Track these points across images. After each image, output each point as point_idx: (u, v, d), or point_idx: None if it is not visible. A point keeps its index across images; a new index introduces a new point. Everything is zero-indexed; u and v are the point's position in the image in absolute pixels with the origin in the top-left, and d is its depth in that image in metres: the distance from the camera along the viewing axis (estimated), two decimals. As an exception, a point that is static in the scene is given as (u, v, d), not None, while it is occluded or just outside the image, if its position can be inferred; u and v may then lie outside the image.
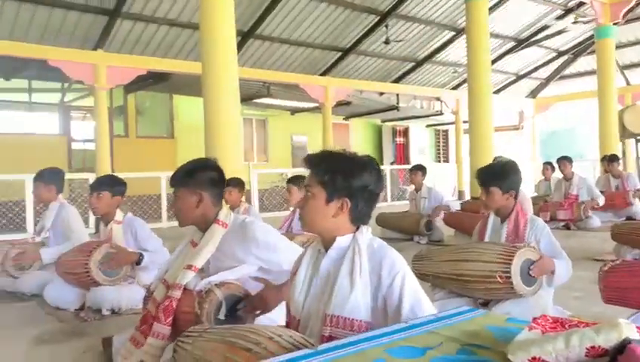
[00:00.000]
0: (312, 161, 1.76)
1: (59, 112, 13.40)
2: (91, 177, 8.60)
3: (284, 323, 1.92)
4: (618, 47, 14.77)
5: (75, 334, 3.42)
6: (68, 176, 10.55)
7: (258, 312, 2.21)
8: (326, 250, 1.76)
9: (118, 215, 3.89)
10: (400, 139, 19.40)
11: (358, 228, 1.75)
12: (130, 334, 2.44)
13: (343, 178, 1.68)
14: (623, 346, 1.04)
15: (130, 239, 3.84)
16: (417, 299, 1.63)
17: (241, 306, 2.19)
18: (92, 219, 9.33)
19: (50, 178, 4.56)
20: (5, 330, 3.57)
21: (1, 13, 8.91)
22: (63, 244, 4.34)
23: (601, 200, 7.68)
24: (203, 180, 2.36)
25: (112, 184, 3.92)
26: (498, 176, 3.18)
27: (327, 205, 1.70)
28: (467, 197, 12.34)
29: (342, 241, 1.73)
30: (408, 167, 16.23)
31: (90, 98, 11.01)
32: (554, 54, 17.34)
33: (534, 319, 1.25)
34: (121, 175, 4.40)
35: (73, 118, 13.68)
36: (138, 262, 3.73)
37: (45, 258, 4.34)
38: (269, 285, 2.25)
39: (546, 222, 3.29)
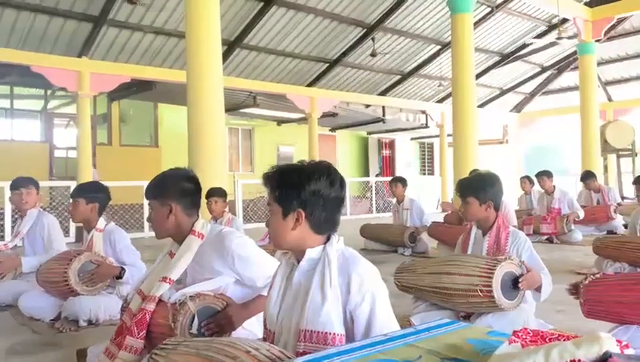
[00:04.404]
0: (265, 178, 1.75)
1: (41, 119, 13.25)
2: (73, 185, 8.48)
3: (261, 336, 1.88)
4: (600, 63, 15.04)
5: (49, 345, 3.33)
6: (49, 183, 10.48)
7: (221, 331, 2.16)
8: (298, 262, 1.73)
9: (100, 223, 3.77)
10: (386, 152, 19.49)
11: (328, 239, 1.73)
12: (105, 346, 2.38)
13: (290, 190, 1.68)
14: (604, 360, 1.02)
15: (109, 249, 3.73)
16: (388, 326, 1.59)
17: (204, 324, 2.14)
18: (72, 228, 9.21)
19: (35, 184, 4.58)
20: (-23, 341, 3.47)
21: (-16, 18, 8.83)
22: (44, 254, 4.24)
23: (582, 214, 7.73)
24: (172, 191, 2.32)
25: (88, 191, 3.82)
26: (475, 187, 3.20)
27: (285, 219, 1.69)
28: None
29: (312, 253, 1.70)
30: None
31: (74, 105, 10.92)
32: (538, 69, 17.60)
33: (514, 332, 1.23)
34: (103, 183, 4.33)
35: (56, 126, 13.52)
36: (119, 276, 3.65)
37: (25, 267, 4.24)
38: (232, 303, 2.22)
39: (528, 235, 3.29)
